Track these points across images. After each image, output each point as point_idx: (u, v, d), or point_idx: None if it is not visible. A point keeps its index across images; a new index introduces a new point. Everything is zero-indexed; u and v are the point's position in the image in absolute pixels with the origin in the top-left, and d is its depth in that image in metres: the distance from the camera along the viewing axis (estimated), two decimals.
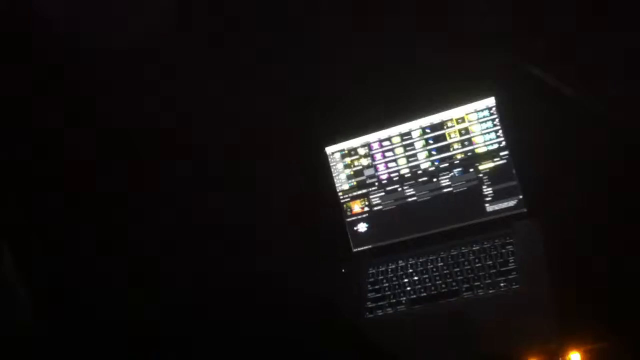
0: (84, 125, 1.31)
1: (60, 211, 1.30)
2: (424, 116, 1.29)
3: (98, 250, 1.29)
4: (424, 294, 1.18)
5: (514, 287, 1.11)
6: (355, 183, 1.33)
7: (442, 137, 1.27)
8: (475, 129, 1.24)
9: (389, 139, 1.31)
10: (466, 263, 1.18)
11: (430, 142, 1.28)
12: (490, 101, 1.23)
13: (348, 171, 1.34)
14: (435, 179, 1.27)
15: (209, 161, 1.37)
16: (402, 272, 1.23)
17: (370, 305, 1.21)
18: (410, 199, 1.29)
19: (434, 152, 1.28)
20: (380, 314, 1.19)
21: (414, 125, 1.29)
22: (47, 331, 1.23)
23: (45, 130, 1.30)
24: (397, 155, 1.30)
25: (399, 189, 1.30)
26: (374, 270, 1.27)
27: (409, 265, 1.24)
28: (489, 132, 1.24)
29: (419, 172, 1.28)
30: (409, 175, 1.29)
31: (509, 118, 1.23)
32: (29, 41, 1.26)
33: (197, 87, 1.35)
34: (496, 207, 1.23)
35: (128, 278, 1.27)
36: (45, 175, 1.30)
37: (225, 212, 1.37)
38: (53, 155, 1.31)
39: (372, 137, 1.32)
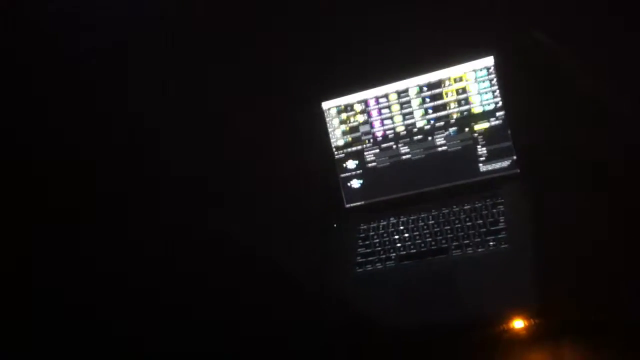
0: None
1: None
2: (422, 74, 1.28)
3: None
4: (414, 251, 1.19)
5: (502, 246, 1.12)
6: (350, 139, 1.33)
7: (439, 96, 1.26)
8: (473, 88, 1.24)
9: (385, 96, 1.30)
10: (457, 221, 1.19)
11: (427, 100, 1.27)
12: (489, 61, 1.22)
13: (344, 127, 1.34)
14: (430, 138, 1.27)
15: (207, 116, 1.37)
16: (393, 229, 1.24)
17: (360, 260, 1.23)
18: (404, 157, 1.29)
19: (430, 111, 1.27)
20: (369, 269, 1.21)
21: (411, 83, 1.28)
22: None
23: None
24: (393, 112, 1.30)
25: (394, 147, 1.30)
26: (365, 226, 1.28)
27: (400, 222, 1.25)
28: (485, 92, 1.23)
29: (414, 130, 1.28)
30: (404, 133, 1.29)
31: (507, 79, 1.22)
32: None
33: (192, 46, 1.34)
34: (489, 167, 1.23)
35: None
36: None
37: (220, 166, 1.37)
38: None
39: (369, 94, 1.31)
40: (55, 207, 1.32)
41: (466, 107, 1.25)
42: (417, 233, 1.21)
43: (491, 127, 1.23)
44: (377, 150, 1.31)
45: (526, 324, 1.03)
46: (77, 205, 1.32)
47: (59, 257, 1.30)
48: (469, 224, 1.18)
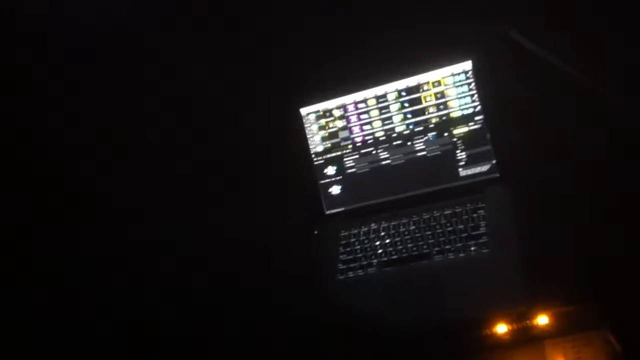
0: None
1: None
2: (400, 79, 1.27)
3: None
4: (395, 257, 1.18)
5: (483, 251, 1.11)
6: (329, 145, 1.32)
7: (418, 101, 1.26)
8: (451, 92, 1.24)
9: (364, 101, 1.29)
10: (437, 227, 1.18)
11: (406, 105, 1.27)
12: (467, 65, 1.22)
13: (322, 133, 1.33)
14: (409, 143, 1.27)
15: (180, 127, 1.35)
16: (374, 235, 1.23)
17: (341, 267, 1.21)
18: (384, 162, 1.29)
19: (409, 116, 1.27)
20: (350, 275, 1.19)
21: (390, 88, 1.28)
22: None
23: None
24: (372, 117, 1.29)
25: (373, 152, 1.29)
26: (346, 233, 1.27)
27: (381, 228, 1.24)
28: (464, 96, 1.23)
29: (394, 135, 1.28)
30: (384, 138, 1.28)
31: (485, 83, 1.22)
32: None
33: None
34: (469, 171, 1.23)
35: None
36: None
37: (197, 175, 1.35)
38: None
39: (347, 99, 1.31)
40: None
41: (445, 111, 1.24)
42: (398, 239, 1.20)
43: (470, 131, 1.23)
44: (357, 156, 1.30)
45: (509, 328, 1.02)
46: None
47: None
48: (450, 228, 1.17)
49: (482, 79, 1.22)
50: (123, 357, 1.20)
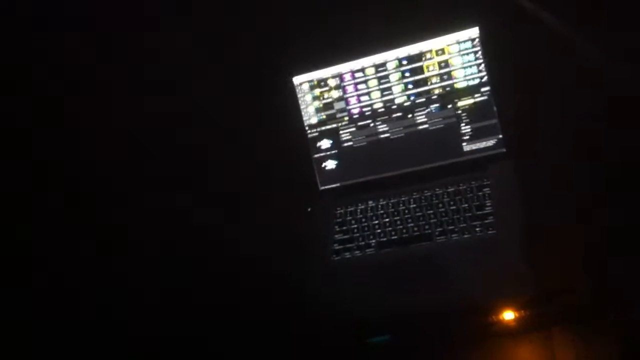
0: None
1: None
2: (401, 46, 1.19)
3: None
4: (395, 237, 1.11)
5: (489, 232, 1.05)
6: (324, 117, 1.24)
7: (420, 70, 1.18)
8: (456, 62, 1.16)
9: (362, 70, 1.21)
10: (440, 205, 1.12)
11: (407, 74, 1.19)
12: (474, 32, 1.14)
13: (317, 104, 1.24)
14: (410, 115, 1.19)
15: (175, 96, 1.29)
16: (371, 213, 1.16)
17: (337, 247, 1.15)
18: (382, 136, 1.21)
19: (410, 86, 1.19)
20: (347, 256, 1.13)
21: (390, 56, 1.19)
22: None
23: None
24: (370, 88, 1.21)
25: (371, 125, 1.21)
26: (342, 210, 1.20)
27: (379, 206, 1.17)
28: (470, 66, 1.15)
29: (394, 107, 1.20)
30: (383, 110, 1.20)
31: (493, 52, 1.14)
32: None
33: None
34: (474, 146, 1.16)
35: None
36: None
37: (190, 146, 1.30)
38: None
39: (344, 68, 1.22)
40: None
41: (449, 82, 1.17)
42: (397, 218, 1.13)
43: (476, 104, 1.15)
44: (354, 129, 1.22)
45: (516, 315, 0.97)
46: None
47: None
48: (453, 207, 1.10)
49: (490, 48, 1.14)
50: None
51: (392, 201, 1.16)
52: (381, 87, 1.20)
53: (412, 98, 1.19)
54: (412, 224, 1.11)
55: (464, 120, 1.16)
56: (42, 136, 1.27)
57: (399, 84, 1.19)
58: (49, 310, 1.22)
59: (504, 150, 1.15)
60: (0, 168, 1.25)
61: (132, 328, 1.17)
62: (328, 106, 1.24)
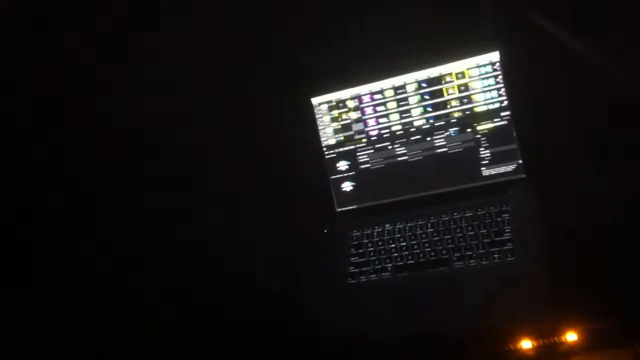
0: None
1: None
2: (421, 69, 1.18)
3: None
4: (411, 261, 1.10)
5: (508, 259, 1.03)
6: (342, 138, 1.24)
7: (439, 93, 1.17)
8: (476, 85, 1.15)
9: (381, 92, 1.21)
10: (458, 230, 1.10)
11: (426, 97, 1.18)
12: (494, 56, 1.13)
13: (335, 125, 1.24)
14: (429, 138, 1.18)
15: (193, 116, 1.29)
16: (388, 236, 1.15)
17: (352, 270, 1.13)
18: (400, 158, 1.20)
19: (429, 109, 1.18)
20: (363, 280, 1.12)
21: (410, 79, 1.19)
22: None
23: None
24: (389, 110, 1.20)
25: (389, 147, 1.21)
26: (358, 233, 1.19)
27: (396, 229, 1.16)
28: (490, 90, 1.14)
29: (412, 129, 1.19)
30: (401, 132, 1.20)
31: (513, 76, 1.13)
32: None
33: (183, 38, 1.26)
34: (493, 171, 1.15)
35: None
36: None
37: (206, 165, 1.30)
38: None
39: (362, 89, 1.22)
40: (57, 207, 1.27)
41: (469, 105, 1.16)
42: (414, 242, 1.12)
43: (495, 128, 1.14)
44: (372, 151, 1.22)
45: (534, 344, 0.95)
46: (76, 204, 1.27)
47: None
48: (471, 233, 1.09)
49: (510, 72, 1.13)
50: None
51: (409, 225, 1.15)
52: (400, 109, 1.20)
53: (431, 121, 1.18)
54: (429, 249, 1.10)
55: (483, 145, 1.15)
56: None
57: (418, 106, 1.19)
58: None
59: (524, 175, 1.13)
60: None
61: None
62: (346, 127, 1.23)
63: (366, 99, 1.21)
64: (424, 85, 1.18)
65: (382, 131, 1.21)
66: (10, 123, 1.24)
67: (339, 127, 1.24)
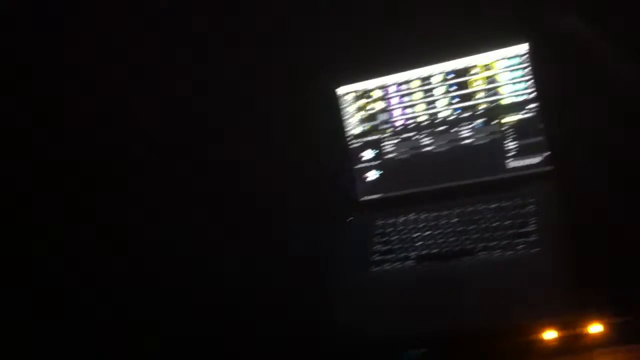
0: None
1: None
2: (447, 60, 1.18)
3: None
4: (435, 251, 1.10)
5: (533, 250, 1.03)
6: (367, 128, 1.24)
7: (466, 85, 1.17)
8: (503, 77, 1.15)
9: (407, 82, 1.21)
10: (483, 221, 1.10)
11: (452, 88, 1.18)
12: (523, 48, 1.13)
13: (360, 114, 1.24)
14: (454, 129, 1.18)
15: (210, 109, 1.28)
16: (412, 226, 1.16)
17: (376, 259, 1.14)
18: (425, 149, 1.20)
19: (455, 100, 1.18)
20: (386, 268, 1.12)
21: (436, 70, 1.19)
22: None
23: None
24: (415, 100, 1.20)
25: (415, 137, 1.21)
26: (382, 222, 1.19)
27: (420, 219, 1.16)
28: (517, 82, 1.14)
29: (438, 120, 1.19)
30: (427, 123, 1.20)
31: (542, 68, 1.13)
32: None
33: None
34: (519, 163, 1.15)
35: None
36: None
37: (226, 154, 1.29)
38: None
39: (389, 80, 1.22)
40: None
41: (495, 97, 1.16)
42: (439, 232, 1.12)
43: (522, 120, 1.14)
44: (397, 141, 1.22)
45: (557, 334, 0.95)
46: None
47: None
48: (496, 224, 1.09)
49: (539, 64, 1.12)
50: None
51: (433, 215, 1.15)
52: (426, 100, 1.20)
53: (456, 112, 1.18)
54: (453, 239, 1.10)
55: (510, 137, 1.15)
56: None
57: (444, 97, 1.19)
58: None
59: (550, 168, 1.13)
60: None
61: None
62: (371, 117, 1.24)
63: (392, 89, 1.22)
64: (450, 76, 1.18)
65: (408, 121, 1.21)
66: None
67: (364, 116, 1.24)
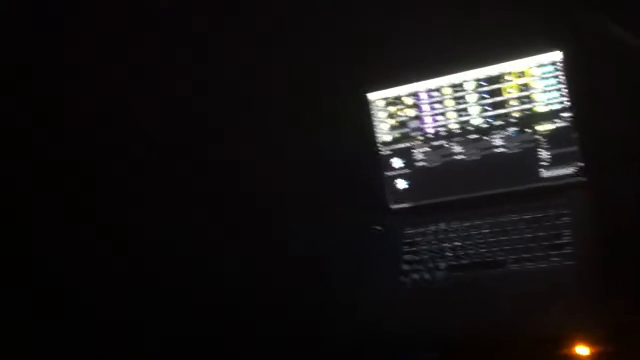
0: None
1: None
2: (480, 67, 1.16)
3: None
4: (466, 261, 1.09)
5: (566, 263, 1.01)
6: (398, 135, 1.23)
7: (498, 92, 1.15)
8: (537, 85, 1.13)
9: (438, 89, 1.19)
10: (515, 232, 1.09)
11: (485, 96, 1.16)
12: (556, 55, 1.11)
13: (391, 121, 1.23)
14: (487, 137, 1.17)
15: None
16: (443, 236, 1.14)
17: (405, 268, 1.13)
18: (457, 157, 1.19)
19: (487, 108, 1.16)
20: (416, 278, 1.11)
21: (468, 77, 1.17)
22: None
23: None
24: (446, 107, 1.19)
25: (446, 145, 1.20)
26: (412, 231, 1.18)
27: (451, 229, 1.15)
28: (551, 90, 1.12)
29: (470, 128, 1.18)
30: (459, 130, 1.19)
31: (577, 76, 1.11)
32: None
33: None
34: (553, 173, 1.13)
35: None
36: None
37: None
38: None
39: (420, 86, 1.21)
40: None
41: (529, 105, 1.14)
42: (470, 242, 1.11)
43: (556, 129, 1.12)
44: (428, 148, 1.21)
45: (590, 351, 0.93)
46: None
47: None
48: (528, 235, 1.07)
49: (574, 72, 1.10)
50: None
51: (464, 224, 1.14)
52: (458, 107, 1.18)
53: (489, 120, 1.16)
54: (484, 249, 1.09)
55: (543, 146, 1.13)
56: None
57: (476, 105, 1.17)
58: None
59: (585, 179, 1.11)
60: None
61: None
62: (402, 124, 1.23)
63: (423, 96, 1.20)
64: (483, 83, 1.16)
65: (439, 129, 1.20)
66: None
67: (395, 123, 1.23)
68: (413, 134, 1.22)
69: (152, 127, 1.26)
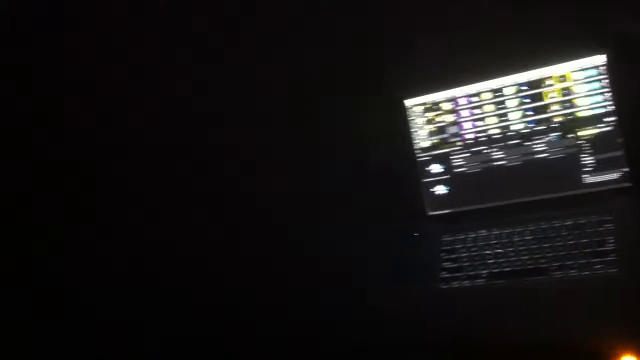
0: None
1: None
2: (520, 71, 1.15)
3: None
4: (508, 269, 1.07)
5: (611, 270, 0.99)
6: (436, 141, 1.22)
7: (540, 97, 1.14)
8: (579, 89, 1.11)
9: (477, 94, 1.18)
10: (558, 239, 1.06)
11: (526, 101, 1.14)
12: (600, 59, 1.09)
13: (429, 127, 1.22)
14: (528, 143, 1.15)
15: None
16: (483, 242, 1.13)
17: (445, 275, 1.12)
18: (497, 163, 1.17)
19: (528, 113, 1.15)
20: (456, 285, 1.10)
21: (508, 81, 1.15)
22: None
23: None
24: (486, 113, 1.18)
25: (486, 151, 1.18)
26: (451, 238, 1.17)
27: (492, 235, 1.13)
28: (594, 94, 1.10)
29: (510, 133, 1.16)
30: (499, 136, 1.17)
31: (620, 79, 1.08)
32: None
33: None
34: (596, 179, 1.11)
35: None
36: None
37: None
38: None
39: (458, 92, 1.19)
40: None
41: (571, 110, 1.12)
42: (511, 249, 1.09)
43: (599, 134, 1.10)
44: (467, 154, 1.20)
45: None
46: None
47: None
48: (571, 242, 1.05)
49: (618, 76, 1.08)
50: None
51: (505, 231, 1.12)
52: (498, 112, 1.17)
53: (530, 125, 1.15)
54: (526, 257, 1.07)
55: (586, 151, 1.11)
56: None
57: (517, 110, 1.16)
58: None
59: (629, 184, 1.08)
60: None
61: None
62: (441, 130, 1.22)
63: (462, 101, 1.19)
64: (523, 88, 1.15)
65: (479, 135, 1.19)
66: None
67: (433, 129, 1.22)
68: (452, 139, 1.21)
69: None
